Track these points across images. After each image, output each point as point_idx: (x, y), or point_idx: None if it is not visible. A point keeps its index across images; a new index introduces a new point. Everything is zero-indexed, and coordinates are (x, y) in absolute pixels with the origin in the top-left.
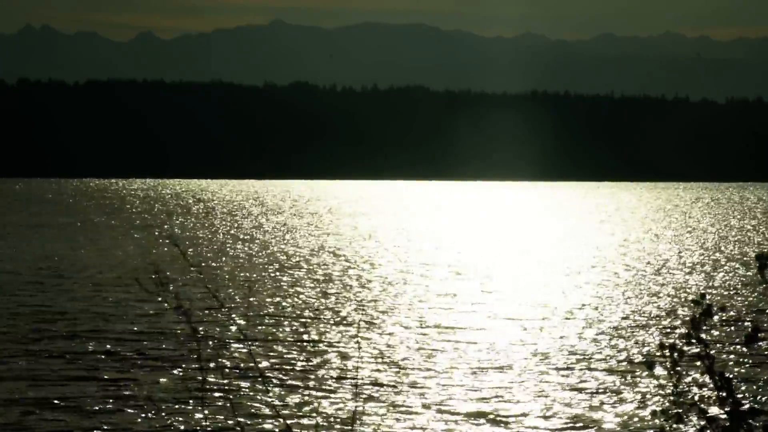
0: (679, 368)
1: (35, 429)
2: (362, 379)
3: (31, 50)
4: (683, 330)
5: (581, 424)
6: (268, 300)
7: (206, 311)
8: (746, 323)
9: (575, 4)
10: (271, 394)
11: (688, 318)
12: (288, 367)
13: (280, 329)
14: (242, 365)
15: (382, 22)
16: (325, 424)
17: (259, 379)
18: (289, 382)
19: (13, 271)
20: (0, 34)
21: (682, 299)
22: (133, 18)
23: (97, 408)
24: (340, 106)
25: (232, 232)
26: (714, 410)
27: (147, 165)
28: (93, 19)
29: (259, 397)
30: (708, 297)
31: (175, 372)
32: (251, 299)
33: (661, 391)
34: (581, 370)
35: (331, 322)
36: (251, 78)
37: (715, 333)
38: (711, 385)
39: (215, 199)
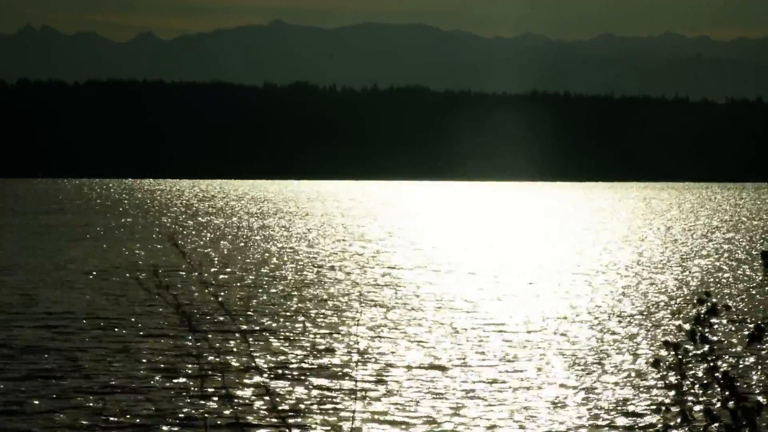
0: (683, 367)
1: (33, 427)
2: (362, 378)
3: (31, 50)
4: (688, 329)
5: (585, 423)
6: (268, 300)
7: (205, 311)
8: (750, 322)
9: (575, 4)
10: (271, 394)
11: (692, 317)
12: (288, 367)
13: (280, 329)
14: (242, 365)
15: (382, 22)
16: (325, 423)
17: (259, 378)
18: (289, 381)
19: (11, 272)
20: (0, 34)
21: (687, 298)
22: (133, 18)
23: (95, 408)
24: (340, 106)
25: (232, 232)
26: (718, 409)
27: (147, 165)
28: (93, 19)
29: (259, 397)
30: (713, 296)
31: (174, 372)
32: (251, 299)
33: (665, 390)
34: (585, 369)
35: (331, 321)
36: (251, 78)
37: (720, 332)
38: (715, 384)
39: (213, 198)
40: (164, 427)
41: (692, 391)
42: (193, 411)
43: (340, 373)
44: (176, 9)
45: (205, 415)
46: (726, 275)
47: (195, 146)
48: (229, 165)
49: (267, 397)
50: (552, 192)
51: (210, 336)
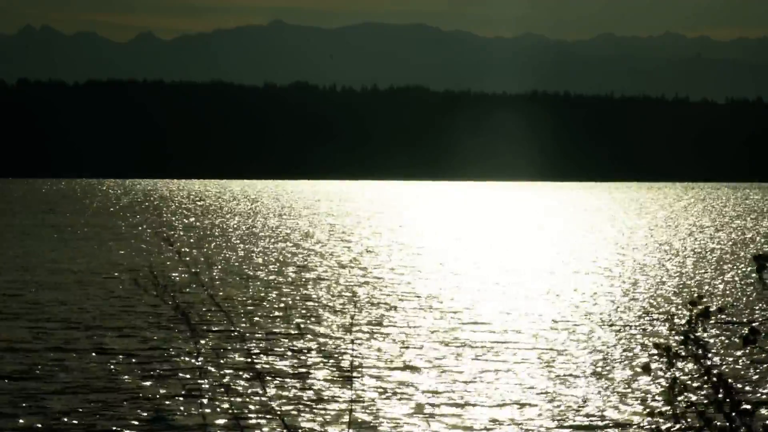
0: (675, 370)
1: (32, 427)
2: (359, 378)
3: (31, 50)
4: (680, 331)
5: (578, 426)
6: (265, 300)
7: (203, 311)
8: (744, 324)
9: (575, 4)
10: (269, 394)
11: (685, 319)
12: (286, 367)
13: (278, 328)
14: (241, 365)
15: (382, 22)
16: (322, 423)
17: (258, 378)
18: (287, 381)
19: (9, 272)
20: (0, 34)
21: (680, 300)
22: (133, 18)
23: (95, 408)
24: (340, 107)
25: (227, 232)
26: (711, 412)
27: (147, 165)
28: (93, 19)
29: (257, 397)
30: (705, 298)
31: (173, 372)
32: (248, 299)
33: (657, 393)
34: (577, 371)
35: (328, 322)
36: (251, 78)
37: (713, 334)
38: (708, 387)
39: (212, 199)
40: (162, 427)
41: (684, 393)
42: (191, 411)
43: (335, 373)
44: (176, 9)
45: (204, 413)
46: (716, 276)
47: (195, 146)
48: (229, 165)
49: (264, 398)
50: (552, 192)
51: (206, 336)
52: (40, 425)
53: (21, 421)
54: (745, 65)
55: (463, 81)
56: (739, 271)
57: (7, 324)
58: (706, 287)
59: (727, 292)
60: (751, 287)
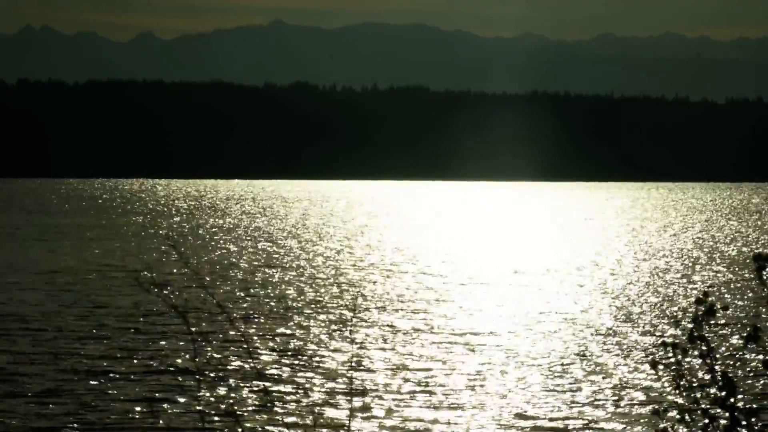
0: (681, 367)
1: (32, 427)
2: (358, 378)
3: (31, 50)
4: (686, 329)
5: (583, 424)
6: (264, 299)
7: (202, 311)
8: (748, 322)
9: (575, 4)
10: (268, 393)
11: (690, 317)
12: (285, 366)
13: (277, 328)
14: (239, 364)
15: (382, 22)
16: (322, 423)
17: (257, 378)
18: (286, 380)
19: (10, 273)
20: (0, 34)
21: (685, 298)
22: (133, 18)
23: (94, 408)
24: (340, 106)
25: (227, 231)
26: (716, 410)
27: (147, 165)
28: (93, 19)
29: (256, 396)
30: (710, 296)
31: (172, 371)
32: (247, 299)
33: (663, 391)
34: (583, 370)
35: (327, 321)
36: (251, 78)
37: (718, 332)
38: (713, 385)
39: (211, 198)
40: (160, 427)
41: (690, 391)
42: (189, 411)
43: (335, 372)
44: (176, 9)
45: (202, 413)
46: (717, 274)
47: (195, 146)
48: (230, 165)
49: (263, 398)
50: (552, 192)
51: (203, 335)
52: (35, 426)
53: (18, 422)
54: (745, 65)
55: (463, 81)
56: (740, 270)
57: (6, 321)
58: (709, 285)
59: (729, 291)
60: (752, 286)
